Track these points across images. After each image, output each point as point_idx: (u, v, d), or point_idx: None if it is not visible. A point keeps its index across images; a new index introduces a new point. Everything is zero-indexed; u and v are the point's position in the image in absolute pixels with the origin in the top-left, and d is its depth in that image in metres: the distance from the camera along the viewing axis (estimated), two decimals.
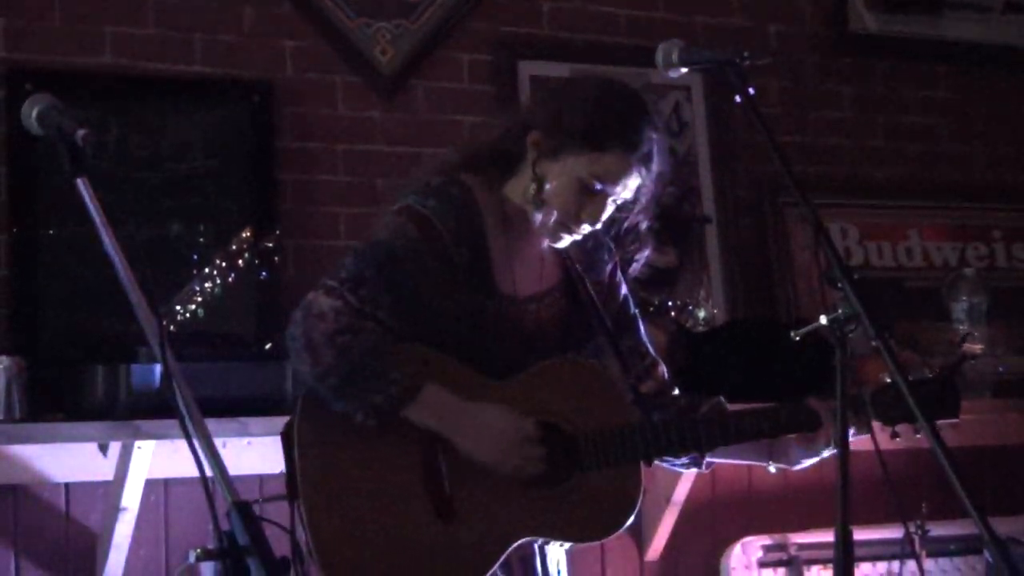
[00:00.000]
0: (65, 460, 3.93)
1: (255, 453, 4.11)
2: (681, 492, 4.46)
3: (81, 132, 2.30)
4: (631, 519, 2.94)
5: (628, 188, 2.95)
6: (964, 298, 5.03)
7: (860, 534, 4.77)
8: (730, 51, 2.82)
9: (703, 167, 5.02)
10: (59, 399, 3.87)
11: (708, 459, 3.09)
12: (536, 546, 2.98)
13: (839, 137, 5.27)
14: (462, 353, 2.91)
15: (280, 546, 2.06)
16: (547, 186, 2.94)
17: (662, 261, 4.61)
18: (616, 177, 2.92)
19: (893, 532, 4.76)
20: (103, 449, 3.88)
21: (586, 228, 2.97)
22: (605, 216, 2.97)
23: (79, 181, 2.31)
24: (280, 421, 3.80)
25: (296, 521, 2.85)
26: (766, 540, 4.72)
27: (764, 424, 3.04)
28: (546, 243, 3.02)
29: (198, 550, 2.03)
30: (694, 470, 3.14)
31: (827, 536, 4.72)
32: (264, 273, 4.34)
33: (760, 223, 5.12)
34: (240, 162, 4.38)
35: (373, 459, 2.84)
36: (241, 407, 3.84)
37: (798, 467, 3.10)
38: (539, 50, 4.84)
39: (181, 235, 4.28)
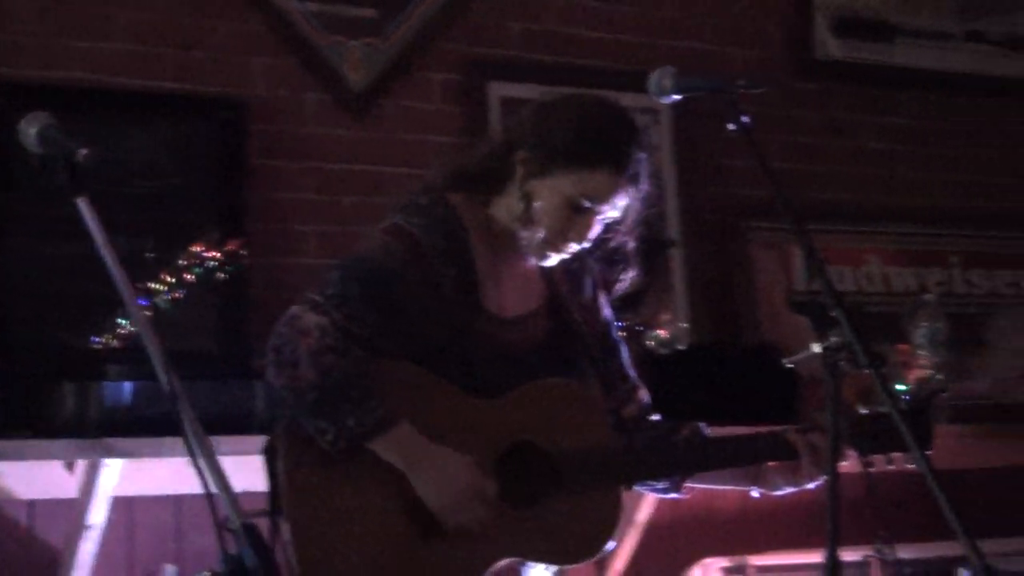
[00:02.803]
0: (30, 477, 3.90)
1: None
2: (643, 513, 4.48)
3: (84, 152, 2.31)
4: (611, 543, 2.95)
5: (616, 207, 2.95)
6: (924, 324, 5.06)
7: (818, 557, 4.87)
8: (724, 79, 2.84)
9: (669, 191, 5.05)
10: (26, 416, 3.84)
11: (688, 483, 3.11)
12: (522, 568, 2.99)
13: (802, 162, 5.31)
14: (447, 371, 2.90)
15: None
16: (535, 204, 2.94)
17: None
18: (604, 196, 2.92)
19: (852, 555, 4.80)
20: (69, 467, 3.86)
21: (574, 247, 2.97)
22: (593, 235, 2.97)
23: (80, 201, 2.31)
24: (249, 440, 3.82)
25: (278, 539, 2.83)
26: (725, 562, 4.75)
27: (741, 452, 3.06)
28: (532, 263, 3.02)
29: (207, 573, 2.02)
30: (672, 495, 3.15)
31: (786, 559, 4.82)
32: (229, 290, 4.32)
33: (724, 247, 5.15)
34: (209, 179, 4.36)
35: (356, 478, 2.83)
36: (209, 426, 3.82)
37: (779, 493, 3.11)
38: (509, 71, 4.86)
39: (149, 252, 4.26)
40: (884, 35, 5.53)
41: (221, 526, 2.06)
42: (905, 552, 4.68)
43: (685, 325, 4.96)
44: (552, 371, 3.02)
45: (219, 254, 4.33)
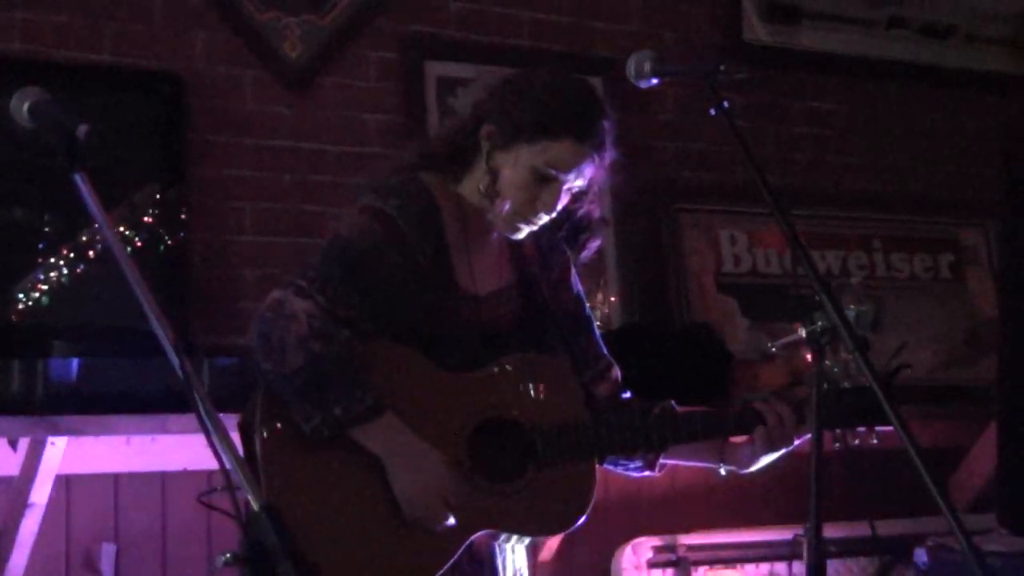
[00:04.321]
0: None
1: (159, 448, 4.08)
2: None
3: (83, 128, 2.28)
4: (586, 514, 2.97)
5: (582, 176, 2.98)
6: (851, 307, 5.12)
7: (747, 536, 4.94)
8: (706, 62, 2.86)
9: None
10: None
11: (661, 460, 3.14)
12: (496, 546, 3.01)
13: (731, 146, 5.33)
14: (424, 349, 2.92)
15: (231, 538, 2.03)
16: (501, 177, 2.96)
17: None
18: (569, 165, 2.95)
19: (780, 534, 4.88)
20: (12, 444, 3.81)
21: (543, 218, 2.99)
22: (560, 206, 2.99)
23: (77, 176, 2.29)
24: (193, 418, 3.81)
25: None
26: (656, 541, 4.80)
27: (712, 425, 3.09)
28: (502, 240, 3.05)
29: (227, 555, 2.00)
30: (647, 472, 3.16)
31: (714, 537, 4.87)
32: (168, 266, 4.28)
33: (654, 227, 5.18)
34: (148, 154, 4.32)
35: (333, 457, 2.83)
36: (155, 404, 3.80)
37: (747, 470, 3.14)
38: (446, 50, 4.86)
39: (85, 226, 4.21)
40: (811, 21, 5.58)
41: (239, 509, 2.04)
42: (833, 531, 4.79)
43: (617, 305, 5.00)
44: (525, 348, 3.05)
45: (159, 230, 4.29)
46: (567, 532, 3.02)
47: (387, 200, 2.95)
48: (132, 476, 4.12)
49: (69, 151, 2.30)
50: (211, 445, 2.06)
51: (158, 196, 4.28)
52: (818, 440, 2.70)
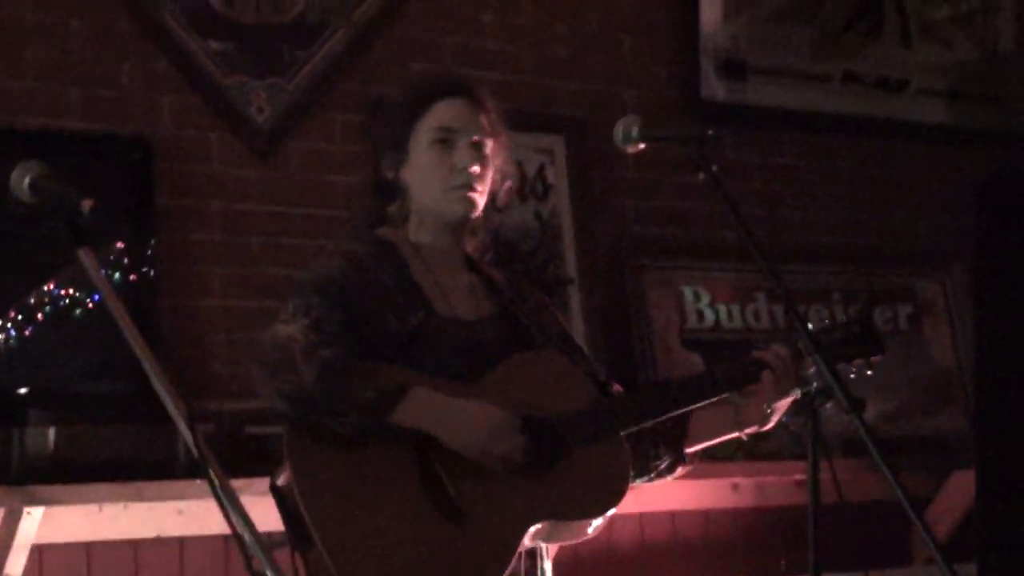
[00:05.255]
0: None
1: (131, 516, 4.06)
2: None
3: (87, 203, 2.28)
4: (627, 488, 3.00)
5: (480, 130, 3.09)
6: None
7: None
8: (692, 128, 2.89)
9: (566, 230, 5.10)
10: None
11: (687, 450, 3.17)
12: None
13: (692, 201, 5.39)
14: (420, 368, 2.96)
15: None
16: (417, 175, 3.08)
17: None
18: (458, 118, 3.08)
19: None
20: None
21: (475, 175, 3.06)
22: (479, 160, 3.06)
23: (81, 253, 2.28)
24: (170, 485, 3.80)
25: (312, 569, 2.84)
26: None
27: (719, 380, 3.12)
28: (471, 276, 3.14)
29: None
30: (679, 470, 3.19)
31: None
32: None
33: (619, 285, 5.20)
34: (117, 219, 4.30)
35: (374, 485, 2.84)
36: (127, 471, 3.79)
37: (768, 425, 3.15)
38: None
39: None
40: (759, 76, 5.64)
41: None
42: None
43: None
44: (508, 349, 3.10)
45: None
46: (613, 511, 3.01)
47: (343, 243, 3.12)
48: (105, 544, 4.09)
49: (73, 227, 2.29)
50: (226, 518, 2.05)
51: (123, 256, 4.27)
52: (815, 491, 2.71)
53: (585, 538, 3.06)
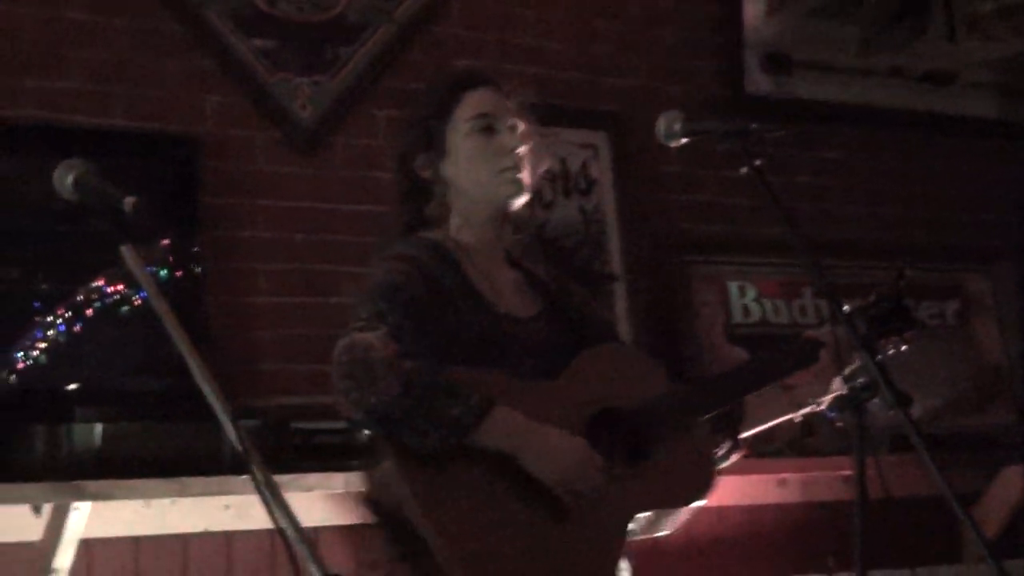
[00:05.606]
0: None
1: (179, 511, 4.08)
2: None
3: (130, 200, 2.29)
4: (715, 474, 3.01)
5: (512, 115, 3.08)
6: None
7: None
8: (736, 122, 2.87)
9: (610, 225, 5.09)
10: None
11: (743, 435, 3.16)
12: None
13: (737, 196, 5.37)
14: (495, 368, 2.92)
15: None
16: (461, 169, 3.05)
17: None
18: (488, 106, 3.07)
19: None
20: (36, 510, 3.80)
21: (520, 157, 3.04)
22: (521, 142, 3.05)
23: (124, 249, 2.29)
24: (217, 480, 3.81)
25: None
26: None
27: (786, 359, 3.13)
28: (516, 275, 3.12)
29: None
30: (734, 456, 3.16)
31: None
32: (185, 328, 4.26)
33: (664, 280, 5.20)
34: (163, 217, 4.31)
35: (482, 491, 2.80)
36: (174, 468, 3.80)
37: (823, 406, 3.14)
38: None
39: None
40: (822, 71, 5.62)
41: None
42: None
43: None
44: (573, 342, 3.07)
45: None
46: (706, 499, 3.01)
47: (398, 247, 3.03)
48: (152, 539, 4.11)
49: (116, 224, 2.31)
50: (271, 515, 2.05)
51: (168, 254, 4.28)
52: (862, 487, 2.70)
53: (675, 529, 3.05)
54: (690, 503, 3.01)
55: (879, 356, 2.77)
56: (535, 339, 3.02)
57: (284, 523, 2.08)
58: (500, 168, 3.04)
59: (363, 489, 2.93)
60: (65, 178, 2.39)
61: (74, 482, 3.64)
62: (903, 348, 3.16)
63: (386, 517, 2.86)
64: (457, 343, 2.89)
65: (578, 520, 2.85)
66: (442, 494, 2.76)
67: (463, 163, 3.05)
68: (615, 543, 2.89)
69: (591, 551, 2.86)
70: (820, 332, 3.15)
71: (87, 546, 3.97)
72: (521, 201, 3.09)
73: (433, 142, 3.07)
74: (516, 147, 3.05)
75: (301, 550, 2.06)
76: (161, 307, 2.26)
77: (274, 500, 2.09)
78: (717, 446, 3.15)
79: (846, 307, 2.92)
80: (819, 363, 3.11)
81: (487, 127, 3.05)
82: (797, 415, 3.16)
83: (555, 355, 3.01)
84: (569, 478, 2.82)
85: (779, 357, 3.16)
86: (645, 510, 2.94)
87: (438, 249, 3.04)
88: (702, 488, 3.01)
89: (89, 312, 4.17)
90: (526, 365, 2.96)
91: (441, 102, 3.08)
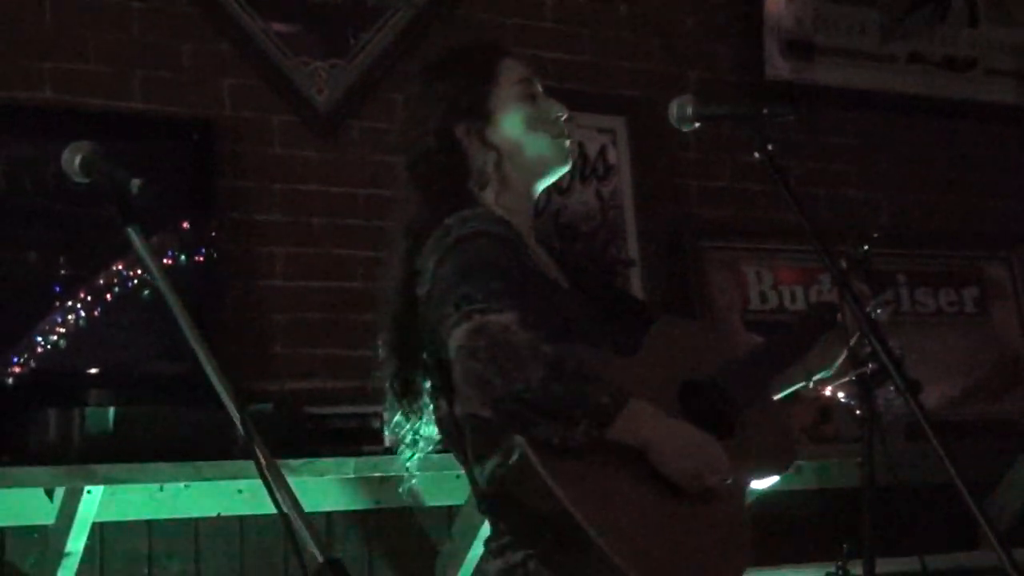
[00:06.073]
0: (3, 504, 3.85)
1: (192, 495, 4.09)
2: None
3: (136, 182, 2.29)
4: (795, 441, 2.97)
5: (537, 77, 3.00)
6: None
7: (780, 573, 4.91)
8: (748, 106, 2.85)
9: (627, 210, 5.08)
10: (6, 441, 3.78)
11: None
12: None
13: (753, 182, 5.35)
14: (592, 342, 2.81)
15: None
16: (515, 134, 2.91)
17: None
18: (527, 70, 2.97)
19: (811, 573, 4.85)
20: (49, 493, 3.81)
21: (566, 117, 2.95)
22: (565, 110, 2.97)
23: (130, 230, 2.29)
24: (229, 465, 3.81)
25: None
26: None
27: (813, 323, 3.08)
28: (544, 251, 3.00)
29: None
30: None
31: None
32: (200, 312, 4.26)
33: (680, 266, 5.18)
34: (177, 200, 4.32)
35: (618, 480, 2.66)
36: (189, 452, 3.81)
37: (832, 371, 3.10)
38: None
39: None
40: (826, 56, 5.60)
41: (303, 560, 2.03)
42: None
43: None
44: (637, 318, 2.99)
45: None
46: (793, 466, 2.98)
47: (471, 224, 2.77)
48: (166, 523, 4.12)
49: (122, 206, 2.31)
50: (275, 503, 2.05)
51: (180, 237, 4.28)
52: (870, 472, 2.68)
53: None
54: (784, 470, 2.94)
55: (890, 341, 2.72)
56: (589, 314, 2.89)
57: (287, 508, 2.06)
58: (556, 133, 2.92)
59: (478, 486, 2.76)
60: (73, 160, 2.38)
61: (87, 465, 3.64)
62: (879, 312, 3.12)
63: (513, 514, 2.72)
64: (547, 323, 2.70)
65: (701, 499, 2.72)
66: (589, 490, 2.61)
67: (515, 130, 2.91)
68: (741, 516, 2.80)
69: (726, 527, 2.76)
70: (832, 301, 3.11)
71: (100, 529, 3.98)
72: (566, 170, 2.99)
73: (476, 108, 2.91)
74: (563, 114, 2.95)
75: (304, 534, 2.05)
76: (166, 289, 2.25)
77: (277, 485, 2.08)
78: (787, 412, 3.09)
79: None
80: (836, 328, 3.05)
81: (531, 93, 2.94)
82: (810, 383, 3.09)
83: (605, 330, 2.88)
84: (703, 474, 2.70)
85: (803, 326, 3.11)
86: (749, 480, 2.85)
87: (505, 224, 2.83)
88: (787, 457, 2.95)
89: (108, 296, 4.17)
90: (609, 342, 2.84)
91: (481, 67, 2.94)
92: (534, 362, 2.54)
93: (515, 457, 2.62)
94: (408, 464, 2.99)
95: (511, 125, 2.92)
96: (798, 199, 2.76)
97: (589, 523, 2.58)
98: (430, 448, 2.96)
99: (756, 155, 2.79)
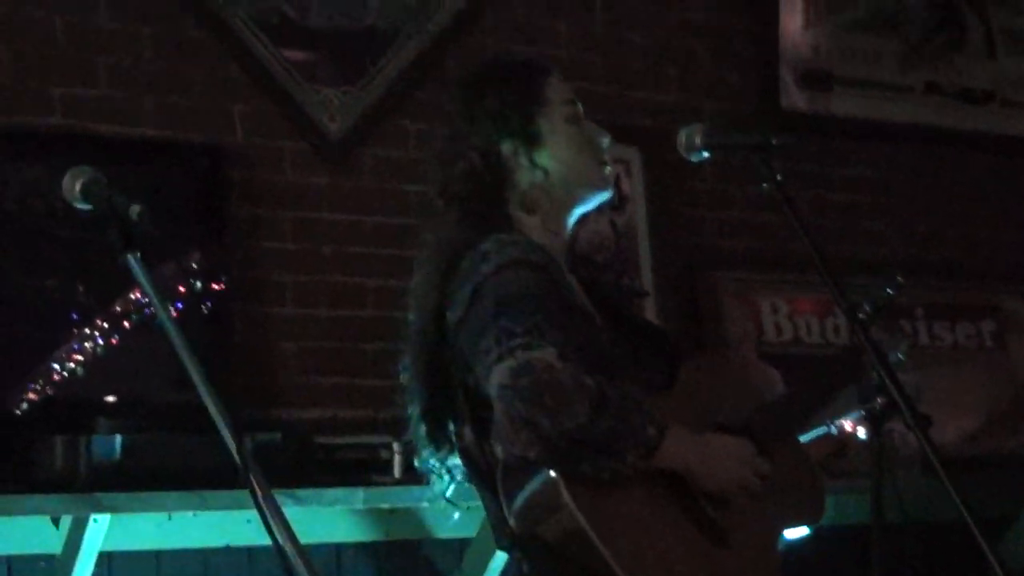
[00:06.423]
0: (10, 533, 3.81)
1: (200, 525, 4.04)
2: None
3: (137, 209, 2.26)
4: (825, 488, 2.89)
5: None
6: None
7: None
8: (757, 136, 2.80)
9: (641, 241, 5.04)
10: (13, 469, 3.74)
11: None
12: None
13: (769, 212, 5.31)
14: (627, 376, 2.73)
15: None
16: (563, 157, 2.82)
17: None
18: (570, 92, 2.89)
19: None
20: (55, 522, 3.78)
21: (608, 144, 2.88)
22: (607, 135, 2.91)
23: (130, 258, 2.26)
24: (237, 494, 3.75)
25: None
26: None
27: (843, 367, 2.97)
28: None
29: None
30: None
31: None
32: (210, 339, 4.23)
33: (695, 297, 5.14)
34: (188, 227, 4.29)
35: (649, 520, 2.62)
36: (199, 480, 3.76)
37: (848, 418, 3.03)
38: None
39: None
40: (843, 87, 5.57)
41: None
42: None
43: None
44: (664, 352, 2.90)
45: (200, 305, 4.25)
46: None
47: (508, 251, 2.69)
48: (174, 553, 4.08)
49: (123, 232, 2.28)
50: (270, 533, 2.01)
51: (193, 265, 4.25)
52: (878, 510, 2.64)
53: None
54: (815, 522, 2.90)
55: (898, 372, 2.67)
56: (621, 348, 2.80)
57: (282, 539, 2.03)
58: (600, 160, 2.86)
59: (499, 522, 2.70)
60: (73, 185, 2.36)
61: (93, 494, 3.61)
62: (899, 356, 3.05)
63: (539, 555, 2.65)
64: (587, 357, 2.63)
65: (737, 541, 2.69)
66: (616, 525, 2.56)
67: (565, 151, 2.82)
68: (773, 559, 2.76)
69: (757, 570, 2.73)
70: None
71: (107, 559, 3.94)
72: (607, 197, 2.93)
73: (525, 127, 2.81)
74: (607, 140, 2.88)
75: (299, 567, 2.01)
76: (166, 318, 2.22)
77: (273, 516, 2.04)
78: (813, 458, 3.02)
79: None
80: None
81: (577, 115, 2.86)
82: (832, 424, 3.04)
83: (636, 363, 2.80)
84: (745, 477, 2.68)
85: (838, 367, 3.00)
86: (783, 526, 2.81)
87: (543, 252, 2.74)
88: (820, 503, 2.90)
89: (126, 324, 4.14)
90: (646, 379, 2.77)
91: (529, 85, 2.83)
92: (580, 398, 2.50)
93: (546, 493, 2.57)
94: (447, 494, 2.90)
95: (560, 147, 2.83)
96: (807, 228, 2.73)
97: (619, 566, 2.53)
98: (460, 477, 2.87)
99: (764, 185, 2.74)
